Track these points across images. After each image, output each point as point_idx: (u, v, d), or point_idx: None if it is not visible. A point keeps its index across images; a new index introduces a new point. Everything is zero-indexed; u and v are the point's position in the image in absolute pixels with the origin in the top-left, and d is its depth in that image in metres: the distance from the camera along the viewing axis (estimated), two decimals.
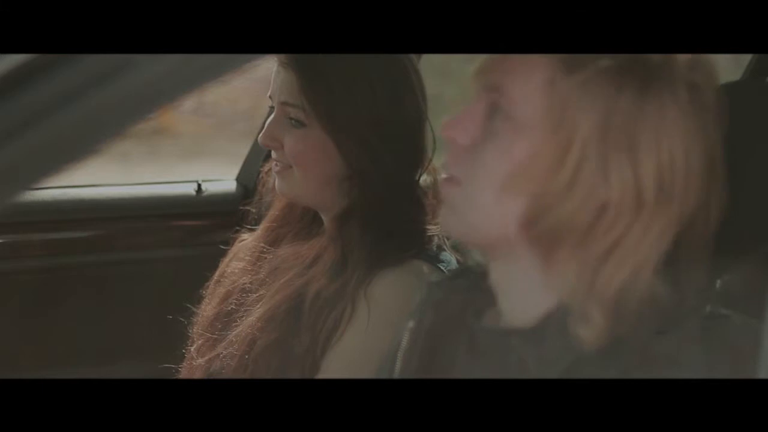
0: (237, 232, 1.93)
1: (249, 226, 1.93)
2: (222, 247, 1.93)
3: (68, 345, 2.37)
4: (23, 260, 1.99)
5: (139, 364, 2.19)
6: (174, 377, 1.85)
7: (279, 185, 1.79)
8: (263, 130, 1.78)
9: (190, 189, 2.53)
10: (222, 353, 1.75)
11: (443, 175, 1.28)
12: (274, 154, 1.79)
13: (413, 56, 1.81)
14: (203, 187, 2.53)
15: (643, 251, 1.19)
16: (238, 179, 2.56)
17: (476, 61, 1.29)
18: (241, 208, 2.04)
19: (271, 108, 1.81)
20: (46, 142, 0.91)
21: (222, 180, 2.58)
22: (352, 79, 1.72)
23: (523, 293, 1.25)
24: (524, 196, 1.21)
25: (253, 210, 1.96)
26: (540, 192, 1.20)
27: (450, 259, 1.75)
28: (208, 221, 2.51)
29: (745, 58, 2.64)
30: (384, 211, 1.73)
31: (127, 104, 0.92)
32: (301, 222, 1.85)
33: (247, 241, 1.89)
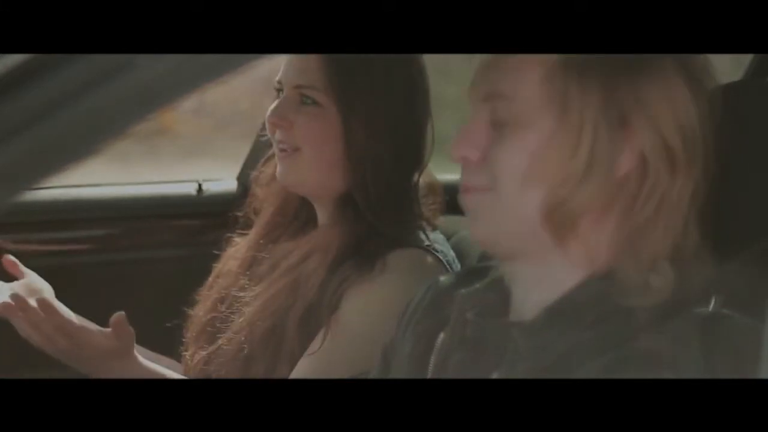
0: (233, 234, 1.92)
1: (241, 231, 1.91)
2: (218, 252, 1.93)
3: None
4: (23, 260, 1.99)
5: None
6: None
7: (282, 171, 1.76)
8: (271, 110, 1.76)
9: (190, 189, 2.53)
10: (218, 350, 1.75)
11: (463, 188, 1.29)
12: (279, 136, 1.77)
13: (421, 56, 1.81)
14: (204, 186, 2.52)
15: (687, 207, 1.23)
16: (238, 179, 2.56)
17: (476, 60, 1.29)
18: (233, 212, 2.02)
19: (279, 92, 1.78)
20: (46, 142, 0.91)
21: (223, 180, 2.58)
22: (372, 67, 1.72)
23: (540, 283, 1.27)
24: (546, 183, 1.23)
25: (240, 214, 1.94)
26: (561, 177, 1.22)
27: (449, 252, 1.76)
28: (209, 221, 2.50)
29: (746, 58, 2.64)
30: (386, 202, 1.72)
31: (127, 104, 0.92)
32: (293, 224, 1.84)
33: (240, 245, 1.88)
